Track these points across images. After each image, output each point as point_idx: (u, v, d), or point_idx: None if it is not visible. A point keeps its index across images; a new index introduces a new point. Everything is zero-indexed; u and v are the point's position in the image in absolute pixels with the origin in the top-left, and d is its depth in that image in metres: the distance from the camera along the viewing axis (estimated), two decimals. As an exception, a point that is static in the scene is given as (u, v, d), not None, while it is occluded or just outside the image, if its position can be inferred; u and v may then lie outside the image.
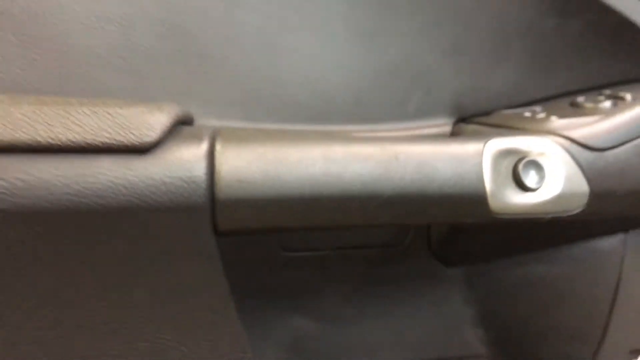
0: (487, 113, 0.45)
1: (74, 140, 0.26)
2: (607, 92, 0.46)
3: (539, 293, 0.47)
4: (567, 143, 0.38)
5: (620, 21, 0.45)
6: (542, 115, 0.42)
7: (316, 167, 0.30)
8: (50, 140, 0.26)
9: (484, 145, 0.35)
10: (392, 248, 0.45)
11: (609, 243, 0.46)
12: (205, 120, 0.36)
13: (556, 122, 0.40)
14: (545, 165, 0.37)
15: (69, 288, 0.28)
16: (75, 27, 0.35)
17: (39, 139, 0.26)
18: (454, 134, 0.43)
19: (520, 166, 0.36)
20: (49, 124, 0.26)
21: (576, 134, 0.39)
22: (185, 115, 0.32)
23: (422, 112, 0.43)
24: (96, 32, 0.35)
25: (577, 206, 0.38)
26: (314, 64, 0.39)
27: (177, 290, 0.30)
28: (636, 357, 0.48)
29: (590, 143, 0.39)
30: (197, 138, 0.29)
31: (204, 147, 0.29)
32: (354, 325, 0.45)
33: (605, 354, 0.47)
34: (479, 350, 0.50)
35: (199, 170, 0.28)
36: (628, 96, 0.45)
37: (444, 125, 0.44)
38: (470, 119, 0.45)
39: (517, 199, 0.36)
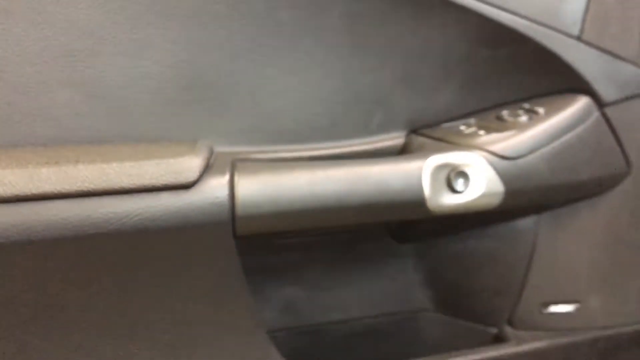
0: (432, 125, 0.58)
1: (130, 186, 0.38)
2: (527, 105, 0.59)
3: (471, 261, 0.61)
4: (487, 155, 0.51)
5: (537, 47, 0.57)
6: (472, 129, 0.55)
7: (304, 189, 0.43)
8: (113, 185, 0.38)
9: (424, 162, 0.48)
10: (359, 233, 0.58)
11: (525, 223, 0.60)
12: (220, 148, 0.48)
13: (481, 138, 0.53)
14: (470, 173, 0.50)
15: (127, 295, 0.41)
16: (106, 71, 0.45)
17: (119, 184, 0.38)
18: (406, 144, 0.56)
19: (452, 175, 0.49)
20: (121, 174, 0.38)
21: (495, 147, 0.52)
22: (210, 149, 0.44)
23: (382, 128, 0.55)
24: (130, 75, 0.46)
25: (494, 203, 0.51)
26: (298, 97, 0.51)
27: (208, 282, 0.42)
28: (545, 308, 0.63)
29: (505, 154, 0.52)
30: (221, 171, 0.41)
31: (226, 177, 0.41)
32: (330, 291, 0.59)
33: (522, 306, 0.62)
34: (427, 306, 0.64)
35: (224, 195, 0.40)
36: (541, 110, 0.58)
37: (399, 137, 0.56)
38: (419, 131, 0.57)
39: (449, 200, 0.49)
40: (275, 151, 0.50)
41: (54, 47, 0.42)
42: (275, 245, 0.55)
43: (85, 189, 0.37)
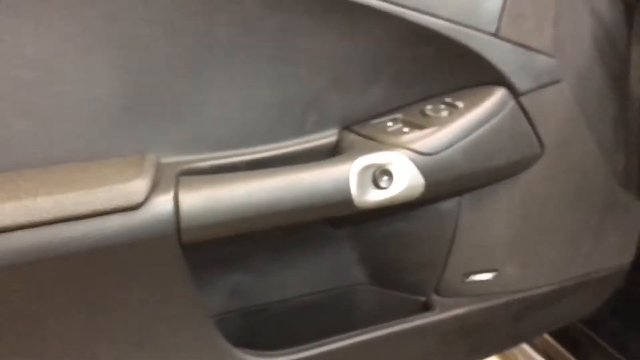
0: (363, 121, 0.63)
1: (84, 212, 0.42)
2: (448, 99, 0.65)
3: (399, 240, 0.67)
4: (409, 153, 0.57)
5: (457, 45, 0.62)
6: (398, 126, 0.61)
7: (241, 199, 0.48)
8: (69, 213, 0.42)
9: (352, 164, 0.54)
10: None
11: (447, 204, 0.66)
12: (165, 159, 0.52)
13: (404, 136, 0.58)
14: (394, 170, 0.56)
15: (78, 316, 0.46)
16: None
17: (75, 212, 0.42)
18: (339, 141, 0.61)
19: (377, 174, 0.55)
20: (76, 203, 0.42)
21: (415, 145, 0.58)
22: (156, 164, 0.48)
23: (316, 128, 0.60)
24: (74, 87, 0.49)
25: (415, 195, 0.57)
26: (235, 106, 0.55)
27: (159, 285, 0.48)
28: (467, 277, 0.70)
29: (425, 150, 0.58)
30: (166, 189, 0.46)
31: (171, 194, 0.46)
32: (273, 275, 0.65)
33: (446, 277, 0.69)
34: (362, 280, 0.71)
35: (169, 212, 0.45)
36: (461, 104, 0.63)
37: (332, 135, 0.61)
38: (350, 127, 0.62)
39: (374, 197, 0.55)
40: (217, 157, 0.55)
41: (5, 79, 0.45)
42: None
43: (45, 219, 0.41)
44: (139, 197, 0.44)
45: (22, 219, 0.41)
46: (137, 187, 0.44)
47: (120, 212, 0.43)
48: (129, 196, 0.44)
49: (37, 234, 0.41)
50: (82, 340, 0.47)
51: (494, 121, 0.63)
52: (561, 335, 1.01)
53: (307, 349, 0.59)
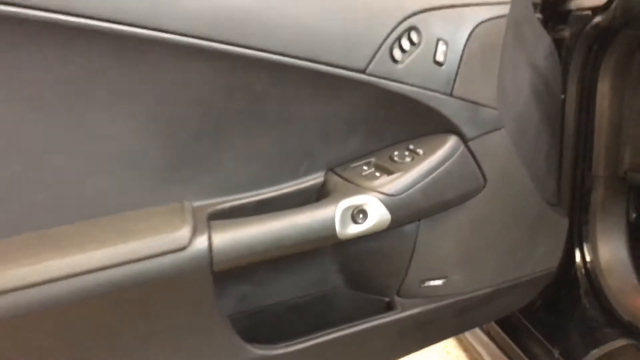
0: (343, 164, 0.80)
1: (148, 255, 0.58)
2: (411, 146, 0.82)
3: (369, 254, 0.85)
4: (379, 195, 0.74)
5: (421, 104, 0.78)
6: (371, 170, 0.78)
7: (255, 239, 0.65)
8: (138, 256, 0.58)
9: (337, 206, 0.71)
10: None
11: (408, 227, 0.83)
12: (196, 203, 0.68)
13: (376, 180, 0.75)
14: (368, 209, 0.73)
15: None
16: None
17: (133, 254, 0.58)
18: (325, 181, 0.78)
19: (355, 212, 0.72)
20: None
21: (384, 188, 0.74)
22: (192, 209, 0.65)
23: (308, 172, 0.76)
24: None
25: (383, 226, 0.74)
26: (245, 160, 0.71)
27: (192, 303, 0.64)
28: (423, 283, 0.89)
29: (391, 192, 0.75)
30: (202, 232, 0.62)
31: (205, 236, 0.62)
32: (272, 283, 0.82)
33: (406, 283, 0.87)
34: (341, 285, 0.89)
35: (205, 249, 0.61)
36: (421, 151, 0.81)
37: (320, 177, 0.78)
38: (334, 169, 0.79)
39: (352, 230, 0.72)
40: (234, 199, 0.71)
41: (88, 151, 0.61)
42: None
43: (119, 261, 0.57)
44: (185, 242, 0.60)
45: (106, 261, 0.57)
46: (183, 234, 0.60)
47: (172, 253, 0.59)
48: (178, 241, 0.60)
49: (114, 272, 0.57)
50: (137, 343, 0.64)
51: (447, 164, 0.80)
52: (502, 321, 1.22)
53: (299, 343, 0.76)
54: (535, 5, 1.08)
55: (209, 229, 0.63)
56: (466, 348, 1.63)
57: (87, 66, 0.58)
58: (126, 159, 0.63)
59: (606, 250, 1.12)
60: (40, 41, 0.55)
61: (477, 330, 1.39)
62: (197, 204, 0.68)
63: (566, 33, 1.09)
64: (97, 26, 0.56)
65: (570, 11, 1.08)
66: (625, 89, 1.06)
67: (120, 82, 0.60)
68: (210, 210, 0.68)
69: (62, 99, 0.58)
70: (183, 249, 0.60)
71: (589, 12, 1.03)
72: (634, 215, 1.15)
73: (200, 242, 0.61)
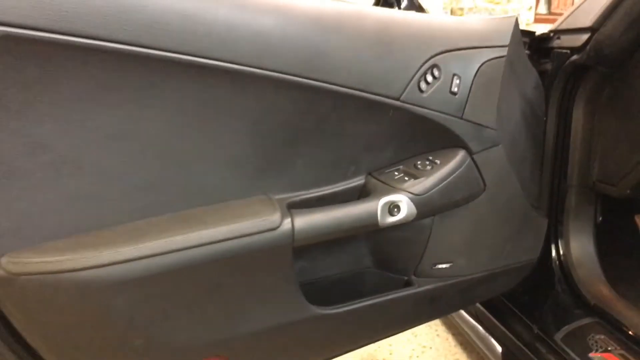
0: (379, 169, 1.02)
1: (249, 232, 0.80)
2: (431, 157, 1.04)
3: (394, 242, 1.07)
4: (408, 194, 0.96)
5: (439, 125, 1.01)
6: (401, 175, 1.00)
7: (324, 223, 0.86)
8: (240, 234, 0.79)
9: (379, 202, 0.93)
10: None
11: (426, 221, 1.06)
12: (275, 196, 0.89)
13: (405, 182, 0.98)
14: (400, 205, 0.95)
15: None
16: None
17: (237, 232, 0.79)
18: (366, 183, 1.00)
19: (391, 207, 0.94)
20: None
21: (412, 189, 0.97)
22: (274, 200, 0.86)
23: (353, 176, 0.98)
24: None
25: (411, 219, 0.97)
26: (312, 167, 0.93)
27: (276, 270, 0.85)
28: (434, 266, 1.11)
29: (417, 192, 0.97)
30: (286, 216, 0.83)
31: (289, 220, 0.83)
32: (321, 261, 1.04)
33: (421, 265, 1.10)
34: (370, 265, 1.11)
35: (289, 230, 0.83)
36: (438, 161, 1.03)
37: (362, 179, 1.00)
38: (372, 174, 1.01)
39: (389, 220, 0.94)
40: (301, 195, 0.93)
41: (199, 163, 0.82)
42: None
43: (224, 238, 0.78)
44: (277, 224, 0.81)
45: (220, 236, 0.78)
46: (276, 218, 0.82)
47: (268, 232, 0.81)
48: (272, 223, 0.81)
49: (225, 244, 0.78)
50: (236, 299, 0.85)
51: (457, 172, 1.03)
52: (488, 304, 1.46)
53: (342, 307, 0.98)
54: (524, 43, 1.33)
55: (291, 215, 0.84)
56: (454, 331, 1.87)
57: (210, 96, 0.79)
58: (231, 163, 0.85)
59: (577, 246, 1.37)
60: (183, 78, 0.76)
61: (464, 313, 1.62)
62: (276, 196, 0.89)
63: (549, 66, 1.33)
64: (221, 66, 0.77)
65: (552, 49, 1.33)
66: (595, 114, 1.31)
67: (230, 108, 0.81)
68: (286, 201, 0.90)
69: (193, 120, 0.79)
70: (275, 229, 0.81)
71: (568, 51, 1.27)
72: (600, 218, 1.41)
73: (287, 224, 0.83)
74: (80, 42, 0.66)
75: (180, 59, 0.74)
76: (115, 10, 0.68)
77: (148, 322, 0.78)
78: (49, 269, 0.69)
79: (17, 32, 0.62)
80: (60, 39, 0.65)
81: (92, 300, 0.73)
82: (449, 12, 8.50)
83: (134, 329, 0.77)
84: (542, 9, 6.87)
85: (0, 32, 0.60)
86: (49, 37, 0.64)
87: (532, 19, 7.06)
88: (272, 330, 0.90)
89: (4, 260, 0.67)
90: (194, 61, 0.75)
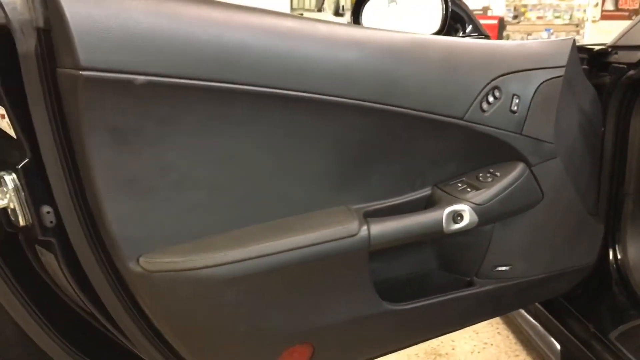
0: (444, 181, 1.14)
1: (332, 238, 0.94)
2: (492, 169, 1.15)
3: (458, 246, 1.19)
4: (471, 204, 1.07)
5: (501, 141, 1.12)
6: (464, 186, 1.12)
7: (394, 231, 0.99)
8: (325, 239, 0.93)
9: (444, 211, 1.05)
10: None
11: (486, 227, 1.17)
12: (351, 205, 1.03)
13: (468, 193, 1.09)
14: (463, 214, 1.07)
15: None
16: None
17: (322, 239, 0.93)
18: (432, 194, 1.12)
19: (455, 216, 1.06)
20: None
21: (474, 199, 1.08)
22: (352, 210, 1.00)
23: (421, 187, 1.10)
24: None
25: (473, 226, 1.08)
26: (384, 180, 1.06)
27: (354, 271, 0.99)
28: (495, 268, 1.22)
29: (479, 202, 1.08)
30: (363, 225, 0.96)
31: (365, 227, 0.97)
32: (394, 261, 1.17)
33: (483, 268, 1.20)
34: (437, 267, 1.23)
35: (366, 236, 0.96)
36: (498, 173, 1.14)
37: (428, 190, 1.12)
38: (438, 185, 1.13)
39: (453, 227, 1.06)
40: (374, 205, 1.06)
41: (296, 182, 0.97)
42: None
43: (311, 243, 0.92)
44: (355, 231, 0.95)
45: (308, 242, 0.92)
46: (354, 226, 0.95)
47: (347, 238, 0.95)
48: (352, 230, 0.95)
49: (312, 249, 0.93)
50: (320, 296, 0.99)
51: (517, 183, 1.14)
52: (547, 304, 1.55)
53: (412, 303, 1.11)
54: (583, 59, 1.41)
55: (367, 223, 0.98)
56: (515, 329, 1.96)
57: (298, 122, 0.93)
58: (315, 178, 0.99)
59: (633, 251, 1.45)
60: (277, 108, 0.90)
61: (523, 312, 1.72)
62: (354, 207, 1.03)
63: (607, 79, 1.41)
64: (308, 97, 0.91)
65: (610, 63, 1.40)
66: (651, 125, 1.38)
67: (315, 131, 0.95)
68: (362, 211, 1.03)
69: (284, 143, 0.94)
70: (354, 235, 0.95)
71: (625, 66, 1.35)
72: (656, 224, 1.47)
73: (364, 231, 0.96)
74: (198, 84, 0.82)
75: (275, 92, 0.88)
76: (227, 55, 0.84)
77: (250, 313, 0.93)
78: (175, 267, 0.85)
79: (155, 80, 0.78)
80: (184, 83, 0.81)
81: (207, 294, 0.89)
82: (512, 9, 8.41)
83: (239, 318, 0.93)
84: (609, 5, 6.72)
85: (145, 80, 0.77)
86: (176, 82, 0.80)
87: (599, 15, 6.91)
88: (350, 322, 1.03)
89: (142, 260, 0.84)
90: (287, 94, 0.89)
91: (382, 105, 0.98)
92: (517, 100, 1.12)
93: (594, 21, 6.50)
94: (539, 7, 8.01)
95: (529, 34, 7.99)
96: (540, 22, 8.11)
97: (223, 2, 0.89)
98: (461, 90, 1.07)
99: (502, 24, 7.44)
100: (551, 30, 7.53)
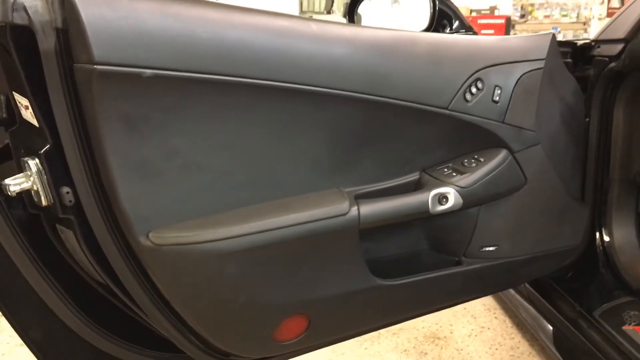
0: (432, 167, 1.22)
1: (324, 216, 1.03)
2: (476, 156, 1.24)
3: (447, 228, 1.27)
4: (456, 187, 1.16)
5: (484, 129, 1.21)
6: (450, 171, 1.20)
7: (383, 211, 1.08)
8: (317, 218, 1.02)
9: (430, 193, 1.14)
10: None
11: (473, 210, 1.25)
12: (343, 188, 1.12)
13: (453, 178, 1.18)
14: (449, 196, 1.15)
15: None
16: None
17: (315, 217, 1.02)
18: (420, 178, 1.21)
19: (441, 198, 1.14)
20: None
21: (459, 183, 1.16)
22: (343, 192, 1.09)
23: (410, 171, 1.19)
24: None
25: (457, 208, 1.17)
26: (376, 165, 1.15)
27: (345, 249, 1.08)
28: (482, 248, 1.30)
29: (463, 185, 1.17)
30: (353, 205, 1.05)
31: (356, 207, 1.05)
32: (384, 241, 1.26)
33: (470, 248, 1.28)
34: (427, 247, 1.32)
35: (356, 216, 1.05)
36: (482, 159, 1.23)
37: (417, 175, 1.21)
38: (426, 170, 1.22)
39: (439, 208, 1.14)
40: (365, 188, 1.15)
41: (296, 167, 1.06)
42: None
43: (304, 221, 1.01)
44: (346, 210, 1.04)
45: (301, 220, 1.00)
46: (345, 205, 1.04)
47: (339, 217, 1.04)
48: (342, 210, 1.04)
49: (305, 226, 1.01)
50: (311, 271, 1.08)
51: (500, 168, 1.22)
52: (538, 286, 1.63)
53: (402, 279, 1.19)
54: (567, 52, 1.49)
55: (357, 204, 1.07)
56: (511, 314, 2.04)
57: (295, 112, 1.02)
58: (311, 164, 1.08)
59: (619, 234, 1.52)
60: (274, 99, 1.00)
61: (516, 295, 1.79)
62: (346, 189, 1.12)
63: (591, 72, 1.49)
64: (303, 89, 1.00)
65: (593, 56, 1.48)
66: (633, 114, 1.46)
67: (310, 121, 1.04)
68: (354, 193, 1.12)
69: (281, 131, 1.03)
70: (345, 214, 1.04)
71: (607, 59, 1.43)
72: (641, 208, 1.55)
73: (354, 211, 1.05)
74: (200, 77, 0.91)
75: (273, 85, 0.98)
76: (226, 51, 0.93)
77: (250, 284, 1.03)
78: (181, 241, 0.94)
79: (161, 73, 0.88)
80: (187, 76, 0.90)
81: (210, 266, 0.98)
82: (520, 8, 8.46)
83: (240, 289, 1.02)
84: (615, 2, 6.74)
85: (152, 73, 0.86)
86: (180, 75, 0.90)
87: (605, 12, 6.94)
88: (343, 295, 1.12)
89: (151, 235, 0.93)
90: (283, 86, 0.98)
91: (372, 96, 1.07)
92: (498, 91, 1.20)
93: (600, 19, 6.54)
94: (545, 5, 8.06)
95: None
96: (547, 20, 8.16)
97: (223, 2, 0.99)
98: (445, 82, 1.15)
99: (509, 24, 7.50)
100: (558, 29, 7.58)
